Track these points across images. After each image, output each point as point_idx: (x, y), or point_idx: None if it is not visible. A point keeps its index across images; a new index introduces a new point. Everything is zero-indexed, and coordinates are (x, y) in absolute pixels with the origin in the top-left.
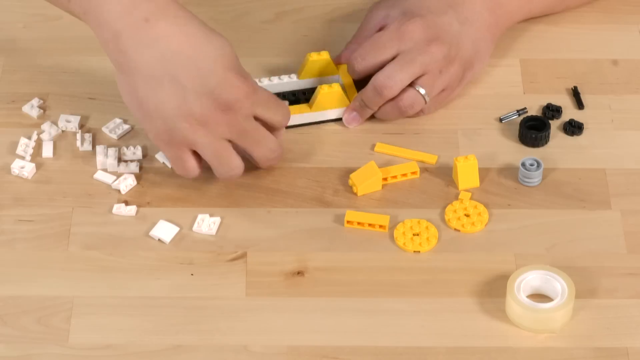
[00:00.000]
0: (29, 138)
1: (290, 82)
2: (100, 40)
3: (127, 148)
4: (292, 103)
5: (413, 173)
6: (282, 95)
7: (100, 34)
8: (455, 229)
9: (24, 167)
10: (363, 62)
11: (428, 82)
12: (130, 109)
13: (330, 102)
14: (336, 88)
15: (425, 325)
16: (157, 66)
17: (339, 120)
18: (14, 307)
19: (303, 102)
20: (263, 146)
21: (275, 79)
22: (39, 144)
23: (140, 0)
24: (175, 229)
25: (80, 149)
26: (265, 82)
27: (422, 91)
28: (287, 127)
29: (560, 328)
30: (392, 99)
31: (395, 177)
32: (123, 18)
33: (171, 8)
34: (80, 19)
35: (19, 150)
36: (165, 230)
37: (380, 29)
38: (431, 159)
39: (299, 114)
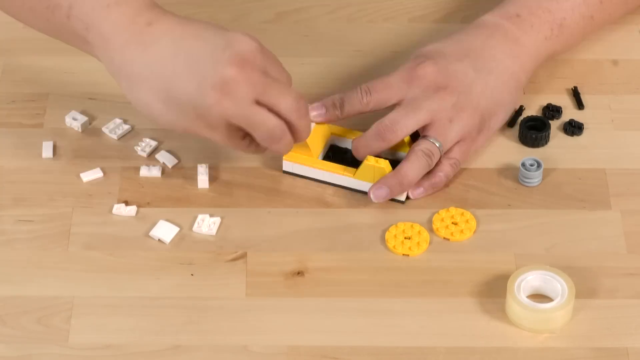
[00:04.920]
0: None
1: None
2: (104, 57)
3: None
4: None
5: None
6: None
7: (104, 47)
8: (444, 238)
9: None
10: (368, 96)
11: (439, 130)
12: (157, 118)
13: (373, 176)
14: (382, 164)
15: (425, 325)
16: (167, 58)
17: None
18: (14, 307)
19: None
20: (288, 95)
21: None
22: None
23: (142, 9)
24: (175, 229)
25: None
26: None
27: (437, 144)
28: (325, 182)
29: (560, 328)
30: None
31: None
32: (127, 27)
33: (169, 14)
34: (78, 35)
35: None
36: (165, 231)
37: None
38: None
39: (339, 175)
